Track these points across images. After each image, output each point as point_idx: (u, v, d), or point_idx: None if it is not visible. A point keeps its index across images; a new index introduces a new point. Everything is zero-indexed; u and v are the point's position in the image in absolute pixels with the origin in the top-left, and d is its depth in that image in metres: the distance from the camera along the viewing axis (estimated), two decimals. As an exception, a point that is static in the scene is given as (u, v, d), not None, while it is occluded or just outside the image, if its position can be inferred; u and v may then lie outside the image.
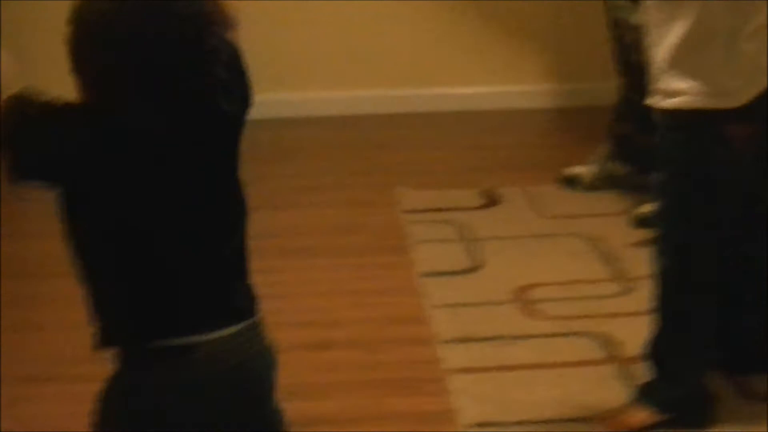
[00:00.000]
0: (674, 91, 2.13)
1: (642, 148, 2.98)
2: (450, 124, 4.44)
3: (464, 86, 4.64)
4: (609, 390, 2.42)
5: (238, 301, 1.50)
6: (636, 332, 2.42)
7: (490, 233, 3.35)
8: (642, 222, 3.17)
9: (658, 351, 2.29)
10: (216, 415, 1.46)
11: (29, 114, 1.38)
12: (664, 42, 2.12)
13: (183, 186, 1.43)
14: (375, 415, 2.31)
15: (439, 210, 3.53)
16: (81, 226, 1.43)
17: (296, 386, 2.40)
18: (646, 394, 2.31)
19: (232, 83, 1.45)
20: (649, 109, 2.24)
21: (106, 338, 1.45)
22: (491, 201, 3.62)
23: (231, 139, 1.49)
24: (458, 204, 3.59)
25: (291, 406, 2.29)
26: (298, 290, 2.98)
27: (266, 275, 2.92)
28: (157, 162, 1.41)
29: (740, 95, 2.12)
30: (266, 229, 3.34)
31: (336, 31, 4.57)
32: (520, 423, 2.30)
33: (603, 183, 3.62)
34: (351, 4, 4.47)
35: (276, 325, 2.50)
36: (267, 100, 4.61)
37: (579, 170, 3.68)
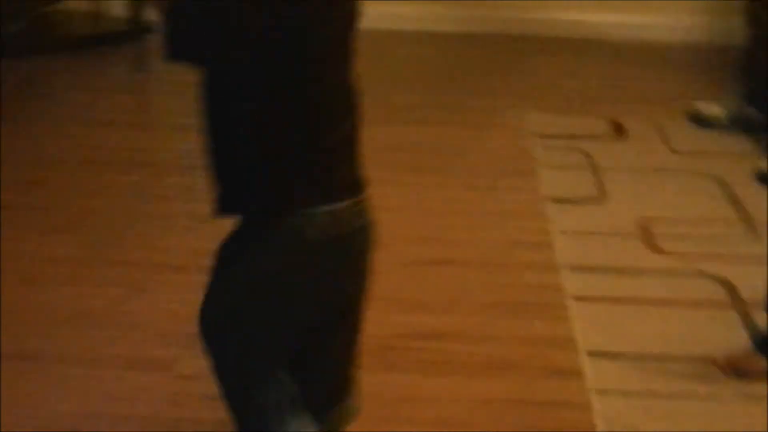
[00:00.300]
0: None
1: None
2: (586, 52, 4.42)
3: (602, 13, 4.61)
4: (728, 333, 2.42)
5: (350, 178, 1.58)
6: (760, 278, 2.42)
7: (616, 163, 3.34)
8: (762, 178, 3.15)
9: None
10: (323, 279, 1.56)
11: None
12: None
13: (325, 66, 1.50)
14: (493, 336, 2.33)
15: (568, 137, 3.53)
16: (224, 102, 1.51)
17: (418, 300, 2.48)
18: (762, 345, 2.31)
19: None
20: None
21: (230, 204, 1.55)
22: (619, 131, 3.61)
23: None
24: (586, 132, 3.58)
25: (414, 319, 2.37)
26: (421, 206, 3.02)
27: (391, 187, 3.03)
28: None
29: None
30: (392, 144, 3.41)
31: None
32: (636, 356, 2.31)
33: (735, 124, 3.58)
34: None
35: (397, 238, 2.58)
36: (392, 13, 4.72)
37: (711, 108, 3.64)
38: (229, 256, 1.59)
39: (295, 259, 1.53)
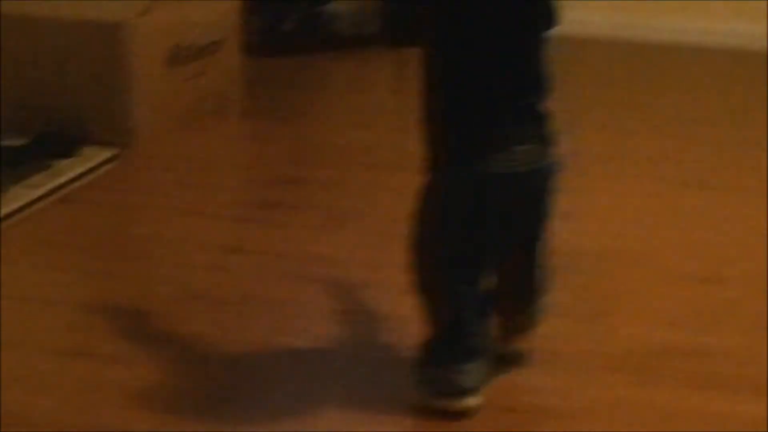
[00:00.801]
0: None
1: None
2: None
3: None
4: None
5: (532, 130, 1.89)
6: None
7: None
8: None
9: None
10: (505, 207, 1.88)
11: None
12: None
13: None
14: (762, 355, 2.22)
15: None
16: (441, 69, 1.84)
17: (682, 316, 2.43)
18: None
19: None
20: None
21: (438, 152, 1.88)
22: None
23: None
24: None
25: (677, 336, 2.32)
26: (689, 220, 2.96)
27: (657, 201, 3.00)
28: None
29: None
30: (654, 155, 3.40)
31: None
32: None
33: None
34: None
35: (662, 251, 2.55)
36: (666, 26, 4.73)
37: None
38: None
39: (484, 189, 1.86)
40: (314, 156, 3.40)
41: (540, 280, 2.04)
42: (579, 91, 4.15)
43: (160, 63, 3.41)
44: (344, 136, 3.56)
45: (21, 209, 2.81)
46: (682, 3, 4.81)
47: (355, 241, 2.73)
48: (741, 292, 2.53)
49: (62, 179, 3.01)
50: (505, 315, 2.05)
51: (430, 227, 1.91)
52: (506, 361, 2.08)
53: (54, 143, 3.15)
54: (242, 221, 2.89)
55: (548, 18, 1.88)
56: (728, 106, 4.02)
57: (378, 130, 3.65)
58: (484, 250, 1.93)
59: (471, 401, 1.93)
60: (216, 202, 3.01)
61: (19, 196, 2.85)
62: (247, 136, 3.70)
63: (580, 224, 2.88)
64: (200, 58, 3.60)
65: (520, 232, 1.95)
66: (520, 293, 2.04)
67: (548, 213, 1.96)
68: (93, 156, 3.16)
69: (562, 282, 2.33)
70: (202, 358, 2.15)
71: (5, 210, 2.76)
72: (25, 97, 3.29)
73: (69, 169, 3.06)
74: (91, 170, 3.10)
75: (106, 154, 3.19)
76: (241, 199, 3.06)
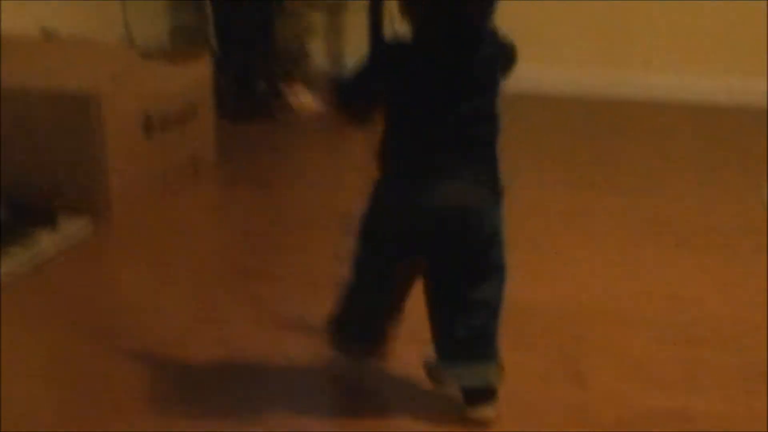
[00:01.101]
0: None
1: None
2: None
3: None
4: None
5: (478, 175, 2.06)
6: None
7: None
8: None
9: None
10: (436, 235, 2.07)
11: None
12: None
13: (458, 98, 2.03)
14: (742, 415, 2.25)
15: None
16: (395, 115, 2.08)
17: (671, 379, 2.43)
18: None
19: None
20: None
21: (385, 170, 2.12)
22: None
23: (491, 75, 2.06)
24: None
25: (665, 400, 2.33)
26: (683, 285, 2.95)
27: (654, 266, 3.02)
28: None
29: None
30: (658, 218, 3.42)
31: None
32: None
33: None
34: None
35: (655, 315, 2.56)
36: (639, 82, 4.79)
37: None
38: None
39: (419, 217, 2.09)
40: (290, 220, 3.41)
41: (472, 335, 2.14)
42: (552, 146, 4.20)
43: (134, 131, 3.43)
44: (321, 199, 3.58)
45: (-3, 281, 2.81)
46: (648, 58, 4.89)
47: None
48: (719, 352, 2.54)
49: (38, 249, 3.01)
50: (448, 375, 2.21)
51: (365, 242, 2.17)
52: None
53: (30, 214, 3.15)
54: (218, 288, 2.88)
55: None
56: (697, 161, 4.06)
57: (354, 192, 3.64)
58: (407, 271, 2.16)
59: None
60: (191, 270, 3.01)
61: (-4, 267, 2.86)
62: (222, 201, 3.71)
63: (552, 282, 2.91)
64: (174, 125, 3.62)
65: (455, 268, 2.11)
66: (447, 341, 2.17)
67: (492, 264, 2.11)
68: (69, 225, 3.16)
69: (537, 342, 2.35)
70: None
71: (-18, 282, 2.76)
72: (-1, 169, 3.29)
73: (45, 239, 3.06)
74: (66, 240, 3.11)
75: (81, 223, 3.19)
76: (217, 267, 3.06)
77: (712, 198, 3.64)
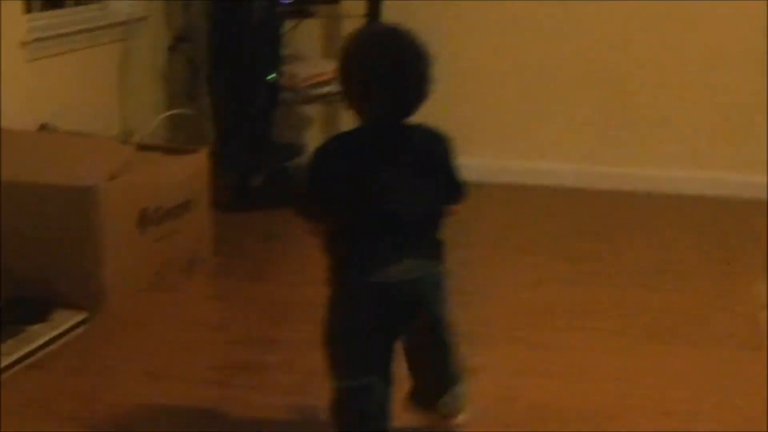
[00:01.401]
0: None
1: None
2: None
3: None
4: None
5: (422, 253, 2.28)
6: None
7: None
8: None
9: None
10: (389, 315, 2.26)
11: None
12: None
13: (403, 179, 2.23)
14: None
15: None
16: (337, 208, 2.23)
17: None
18: None
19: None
20: None
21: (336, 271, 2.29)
22: None
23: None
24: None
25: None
26: (643, 376, 2.99)
27: (624, 356, 3.04)
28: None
29: None
30: (628, 308, 3.44)
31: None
32: None
33: None
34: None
35: (632, 409, 2.59)
36: (632, 174, 4.85)
37: None
38: None
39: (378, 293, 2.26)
40: (286, 314, 3.42)
41: (447, 371, 2.47)
42: (546, 242, 4.22)
43: (130, 225, 3.45)
44: (316, 292, 3.57)
45: (-8, 377, 2.81)
46: (635, 151, 4.95)
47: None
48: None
49: (33, 345, 3.01)
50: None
51: (336, 327, 2.31)
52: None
53: (25, 308, 3.16)
54: (214, 384, 2.88)
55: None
56: (687, 255, 4.09)
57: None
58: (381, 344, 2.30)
59: None
60: (187, 365, 3.01)
61: (-10, 363, 2.86)
62: (218, 295, 3.72)
63: (544, 381, 2.91)
64: (170, 219, 3.64)
65: (418, 328, 2.35)
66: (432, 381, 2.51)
67: (441, 316, 2.38)
68: (64, 320, 3.17)
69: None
70: None
71: (-24, 378, 2.76)
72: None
73: (40, 334, 3.07)
74: (62, 335, 3.11)
75: (77, 317, 3.20)
76: (213, 362, 3.06)
77: (710, 295, 3.65)
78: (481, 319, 3.30)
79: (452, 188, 2.34)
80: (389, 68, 2.16)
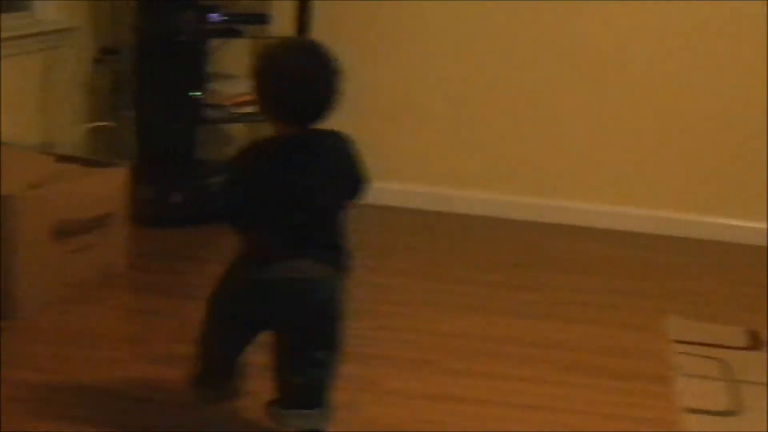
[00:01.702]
0: None
1: None
2: (724, 257, 4.53)
3: (744, 220, 4.72)
4: None
5: (321, 257, 2.40)
6: None
7: (752, 377, 3.34)
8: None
9: None
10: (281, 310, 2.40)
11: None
12: None
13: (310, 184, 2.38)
14: None
15: (705, 345, 3.55)
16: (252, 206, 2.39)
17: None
18: None
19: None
20: None
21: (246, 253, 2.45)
22: (756, 343, 3.63)
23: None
24: (724, 341, 3.60)
25: None
26: (554, 405, 3.06)
27: (531, 385, 3.09)
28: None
29: None
30: (537, 340, 3.50)
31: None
32: None
33: None
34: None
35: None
36: (561, 207, 4.90)
37: None
38: None
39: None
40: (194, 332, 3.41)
41: (309, 388, 2.47)
42: (469, 270, 4.25)
43: (46, 236, 3.44)
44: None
45: None
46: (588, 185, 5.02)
47: (249, 417, 2.77)
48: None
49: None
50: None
51: (216, 307, 2.54)
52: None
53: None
54: (126, 399, 2.88)
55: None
56: (614, 287, 4.17)
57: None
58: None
59: None
60: (99, 379, 2.99)
61: None
62: (133, 310, 3.71)
63: (460, 407, 2.95)
64: (87, 231, 3.63)
65: (294, 329, 2.42)
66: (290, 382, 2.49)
67: (333, 333, 2.43)
68: (-25, 330, 3.14)
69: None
70: None
71: None
72: None
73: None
74: (-29, 345, 3.08)
75: (-12, 328, 3.17)
76: (126, 376, 3.05)
77: (615, 325, 3.73)
78: (393, 344, 3.33)
79: (355, 184, 2.48)
80: (300, 73, 2.34)
